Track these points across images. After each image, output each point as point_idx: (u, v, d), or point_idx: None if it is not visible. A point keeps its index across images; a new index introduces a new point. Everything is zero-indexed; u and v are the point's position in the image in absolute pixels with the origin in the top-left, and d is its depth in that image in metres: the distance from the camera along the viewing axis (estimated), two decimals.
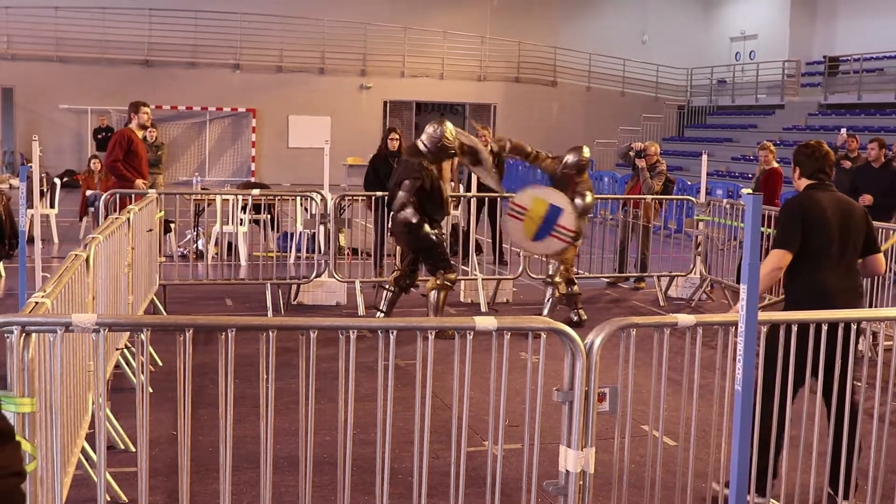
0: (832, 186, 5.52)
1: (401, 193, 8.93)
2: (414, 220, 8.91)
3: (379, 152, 12.22)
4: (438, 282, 9.02)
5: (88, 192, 15.00)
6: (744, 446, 3.50)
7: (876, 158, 11.88)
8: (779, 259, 5.29)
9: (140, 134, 10.62)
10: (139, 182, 10.39)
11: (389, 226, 9.57)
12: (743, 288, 3.45)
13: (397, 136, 12.21)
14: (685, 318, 4.14)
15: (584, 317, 9.74)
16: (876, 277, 9.09)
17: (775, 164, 11.91)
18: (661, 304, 11.22)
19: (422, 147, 9.01)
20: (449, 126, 9.02)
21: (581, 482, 3.94)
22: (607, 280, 12.28)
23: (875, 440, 4.48)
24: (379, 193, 10.84)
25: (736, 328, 3.63)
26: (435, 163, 9.02)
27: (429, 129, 9.05)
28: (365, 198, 11.46)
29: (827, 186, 5.49)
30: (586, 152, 9.88)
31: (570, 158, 9.81)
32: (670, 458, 4.70)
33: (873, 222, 5.64)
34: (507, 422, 4.03)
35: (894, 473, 4.54)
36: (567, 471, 3.93)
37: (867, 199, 11.41)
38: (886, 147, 12.46)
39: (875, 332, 7.76)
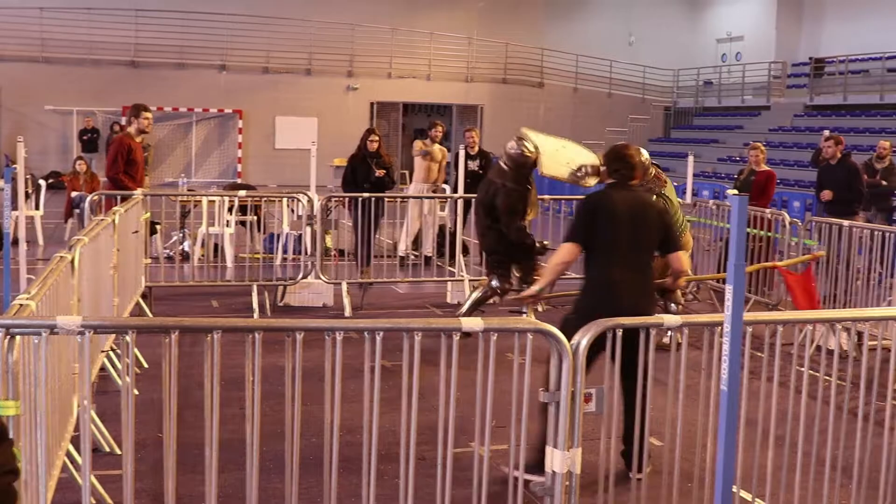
0: (633, 187, 5.79)
1: (516, 225, 8.69)
2: (536, 245, 8.91)
3: (357, 153, 12.22)
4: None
5: (74, 194, 14.93)
6: (729, 445, 3.51)
7: (833, 156, 12.00)
8: (565, 252, 5.62)
9: (139, 139, 10.41)
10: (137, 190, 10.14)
11: (491, 247, 9.12)
12: (728, 289, 3.46)
13: (377, 138, 12.22)
14: (671, 319, 4.15)
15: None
16: (863, 279, 9.14)
17: (766, 167, 11.96)
18: None
19: (504, 167, 8.72)
20: (531, 138, 8.68)
21: (567, 482, 3.95)
22: None
23: (860, 439, 4.50)
24: (365, 195, 10.83)
25: (721, 329, 3.63)
26: (518, 180, 8.62)
27: (508, 146, 8.67)
28: (349, 199, 11.41)
29: (627, 186, 5.73)
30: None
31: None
32: (656, 459, 4.71)
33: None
34: (494, 422, 4.03)
35: (877, 471, 4.56)
36: (554, 471, 3.94)
37: (827, 194, 11.66)
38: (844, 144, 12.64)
39: (860, 332, 7.79)
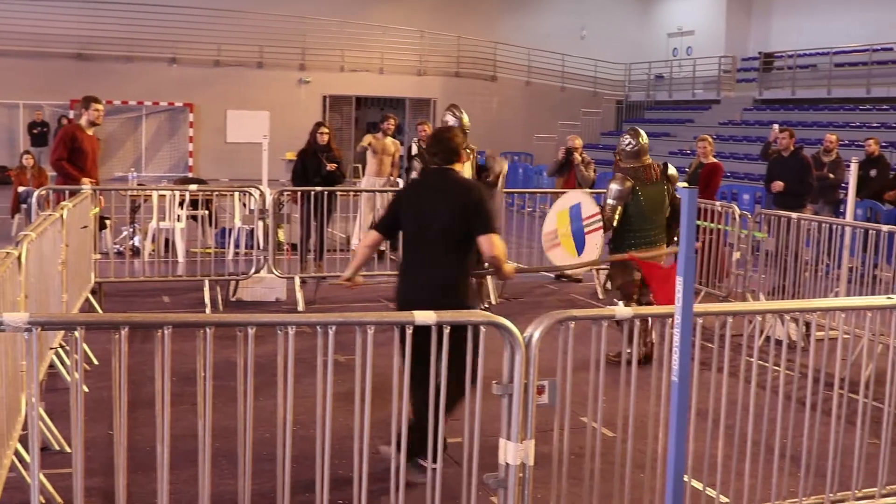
0: (452, 171, 5.53)
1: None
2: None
3: (307, 147, 12.14)
4: None
5: (21, 189, 14.72)
6: (680, 435, 3.55)
7: (786, 147, 12.25)
8: (366, 237, 5.78)
9: (90, 131, 10.28)
10: (85, 181, 10.03)
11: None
12: (679, 280, 3.49)
13: (327, 131, 12.15)
14: (623, 311, 4.18)
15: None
16: (811, 270, 9.27)
17: (713, 159, 12.09)
18: (600, 296, 11.31)
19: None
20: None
21: (521, 474, 3.97)
22: (556, 274, 12.26)
23: (808, 428, 4.56)
24: (317, 189, 10.78)
25: (672, 320, 3.67)
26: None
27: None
28: (298, 193, 11.33)
29: (445, 170, 5.54)
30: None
31: None
32: (609, 449, 4.74)
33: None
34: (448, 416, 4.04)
35: (825, 459, 4.63)
36: (507, 463, 3.95)
37: (778, 185, 11.88)
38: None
39: (808, 323, 7.91)
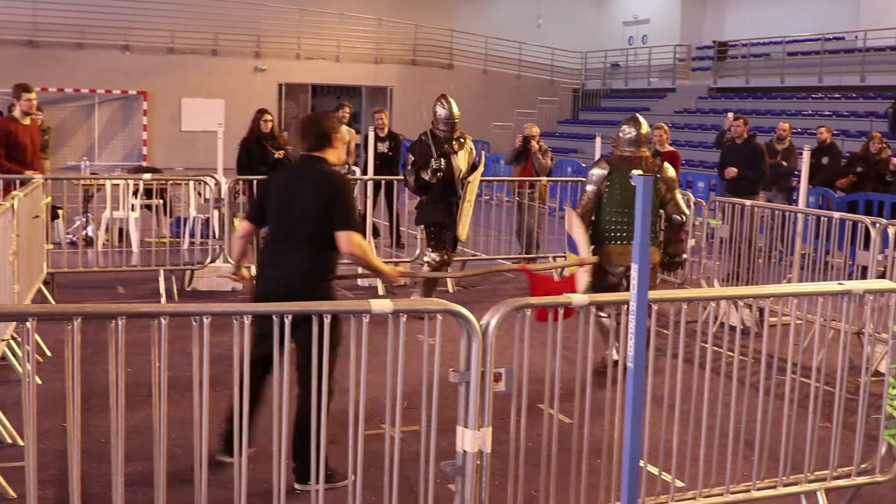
0: (321, 159, 5.35)
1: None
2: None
3: (250, 135, 12.02)
4: None
5: None
6: (636, 421, 3.58)
7: (741, 135, 12.45)
8: (239, 228, 5.66)
9: (26, 121, 10.08)
10: (29, 174, 9.83)
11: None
12: (634, 267, 3.52)
13: (270, 118, 12.06)
14: (579, 298, 4.20)
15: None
16: (764, 257, 9.37)
17: (669, 147, 12.18)
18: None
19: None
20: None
21: (478, 462, 3.98)
22: (514, 262, 12.28)
23: (761, 413, 4.62)
24: (260, 177, 10.70)
25: (628, 307, 3.69)
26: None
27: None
28: (244, 182, 11.23)
29: (309, 158, 5.38)
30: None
31: None
32: (566, 436, 4.77)
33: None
34: (405, 404, 4.04)
35: (778, 443, 4.70)
36: (464, 451, 3.96)
37: (732, 171, 12.08)
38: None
39: (762, 309, 8.00)
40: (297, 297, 4.49)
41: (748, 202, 9.64)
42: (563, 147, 26.99)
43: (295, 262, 5.16)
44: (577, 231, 7.36)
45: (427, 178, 9.40)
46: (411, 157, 9.58)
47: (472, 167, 9.77)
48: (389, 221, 13.33)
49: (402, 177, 11.57)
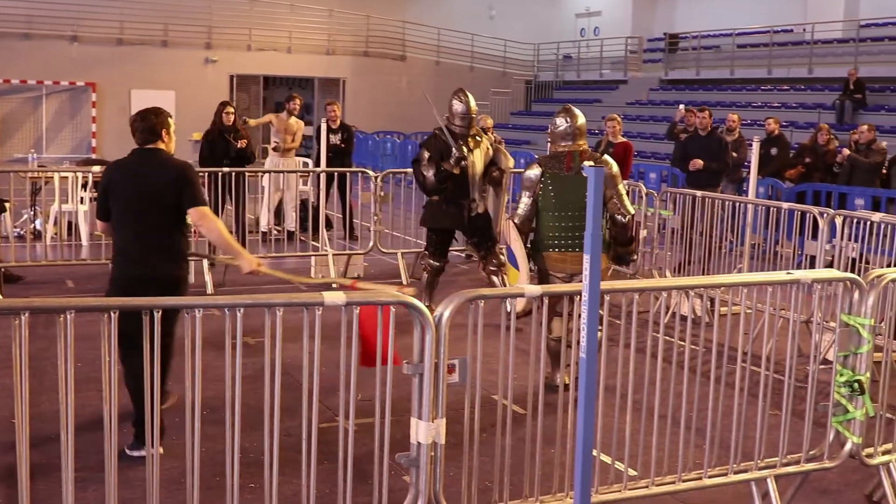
0: (148, 150, 5.67)
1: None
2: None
3: (213, 128, 11.96)
4: None
5: None
6: (589, 411, 3.60)
7: (704, 126, 12.54)
8: (99, 228, 5.88)
9: None
10: None
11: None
12: (586, 258, 3.53)
13: (232, 110, 11.99)
14: (531, 289, 4.22)
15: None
16: (715, 247, 9.46)
17: (622, 138, 12.24)
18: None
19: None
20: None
21: (433, 453, 3.99)
22: (465, 254, 12.27)
23: (712, 401, 4.68)
24: (224, 170, 10.64)
25: (580, 297, 3.71)
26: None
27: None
28: (206, 175, 11.18)
29: (144, 151, 5.68)
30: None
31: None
32: (519, 426, 4.79)
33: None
34: (359, 396, 4.03)
35: (729, 431, 4.75)
36: (419, 442, 3.97)
37: (697, 163, 12.08)
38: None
39: (712, 299, 8.07)
40: (154, 279, 5.29)
41: (699, 193, 9.72)
42: (516, 139, 27.07)
43: (150, 246, 5.50)
44: (516, 244, 6.94)
45: (450, 169, 8.60)
46: (426, 153, 8.73)
47: (491, 163, 8.98)
48: (343, 213, 13.29)
49: (349, 170, 11.56)
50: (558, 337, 6.24)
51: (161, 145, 5.70)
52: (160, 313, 3.66)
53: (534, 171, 7.06)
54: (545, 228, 6.97)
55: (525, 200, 7.06)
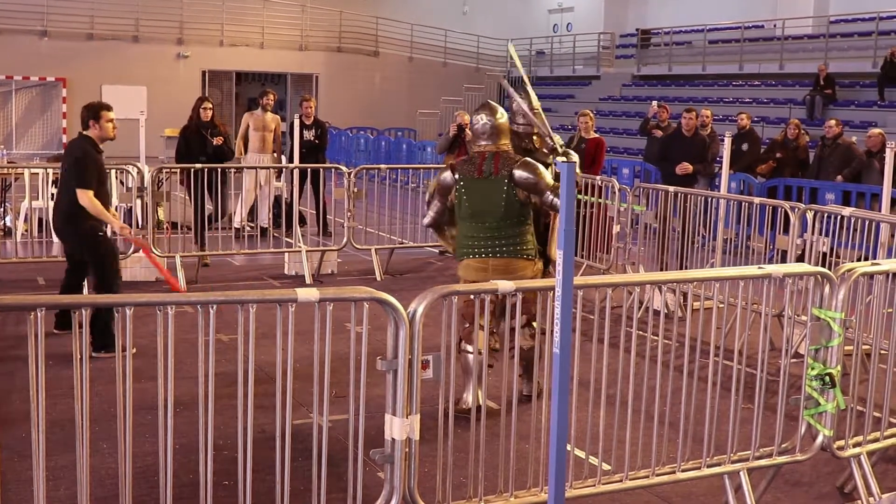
0: (80, 135, 7.53)
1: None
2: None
3: (190, 123, 11.86)
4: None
5: None
6: (562, 405, 3.61)
7: (691, 129, 12.14)
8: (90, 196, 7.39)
9: None
10: None
11: None
12: (559, 252, 3.54)
13: (210, 106, 11.87)
14: (505, 285, 4.22)
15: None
16: (688, 242, 9.51)
17: (595, 134, 12.22)
18: None
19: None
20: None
21: (407, 449, 3.99)
22: (439, 250, 12.26)
23: (685, 395, 4.70)
24: (198, 166, 10.58)
25: (553, 293, 3.72)
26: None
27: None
28: (181, 171, 11.16)
29: (76, 137, 7.58)
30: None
31: None
32: (493, 421, 4.80)
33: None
34: (333, 392, 4.02)
35: (702, 425, 4.78)
36: (393, 439, 3.97)
37: (687, 168, 11.55)
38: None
39: (685, 293, 8.12)
40: (64, 230, 7.64)
41: (671, 188, 9.76)
42: None
43: (62, 207, 7.51)
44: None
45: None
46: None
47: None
48: (316, 209, 13.27)
49: (322, 166, 11.48)
50: (479, 350, 5.42)
51: (92, 130, 7.45)
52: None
53: (448, 180, 6.39)
54: (465, 236, 6.35)
55: (436, 205, 6.52)
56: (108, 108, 7.51)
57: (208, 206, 10.96)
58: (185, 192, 11.47)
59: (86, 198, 7.31)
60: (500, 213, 6.20)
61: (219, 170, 10.90)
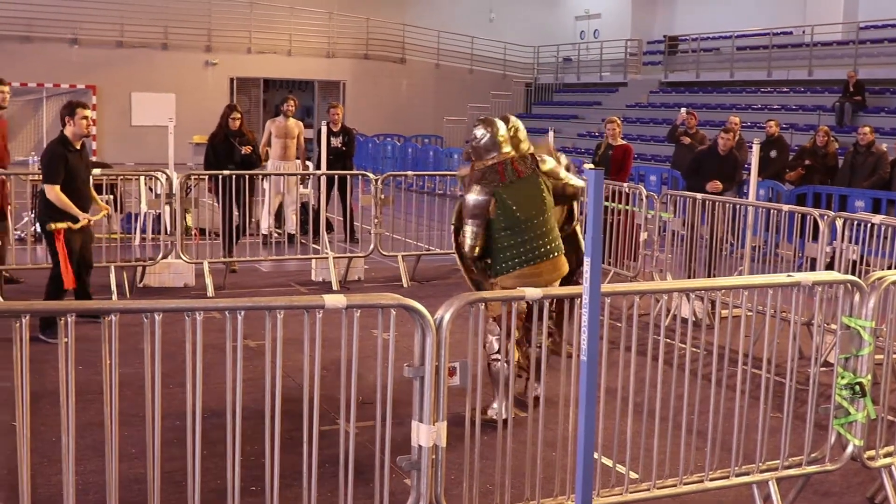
0: (57, 136, 8.05)
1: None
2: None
3: (218, 131, 11.89)
4: None
5: None
6: (590, 413, 3.60)
7: (727, 149, 11.62)
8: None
9: None
10: None
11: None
12: (587, 261, 3.53)
13: (239, 115, 11.87)
14: (532, 292, 4.21)
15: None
16: (716, 249, 9.46)
17: (622, 141, 12.19)
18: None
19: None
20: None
21: (434, 456, 3.98)
22: None
23: (713, 404, 4.67)
24: (226, 173, 10.63)
25: (581, 300, 3.71)
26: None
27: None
28: (209, 178, 11.20)
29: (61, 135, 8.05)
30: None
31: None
32: (521, 429, 4.79)
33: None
34: (360, 399, 4.03)
35: (730, 433, 4.75)
36: (420, 445, 3.96)
37: (717, 186, 11.19)
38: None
39: (713, 301, 8.07)
40: (42, 219, 8.11)
41: (699, 196, 9.71)
42: None
43: (40, 202, 8.22)
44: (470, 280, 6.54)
45: None
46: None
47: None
48: (343, 216, 13.30)
49: (349, 172, 11.49)
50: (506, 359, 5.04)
51: (67, 129, 7.96)
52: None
53: (482, 196, 6.28)
54: (513, 246, 6.25)
55: (475, 230, 6.29)
56: (84, 106, 8.07)
57: (235, 216, 11.00)
58: (213, 198, 11.54)
59: (52, 192, 7.86)
60: (545, 208, 6.37)
61: (247, 177, 10.94)
